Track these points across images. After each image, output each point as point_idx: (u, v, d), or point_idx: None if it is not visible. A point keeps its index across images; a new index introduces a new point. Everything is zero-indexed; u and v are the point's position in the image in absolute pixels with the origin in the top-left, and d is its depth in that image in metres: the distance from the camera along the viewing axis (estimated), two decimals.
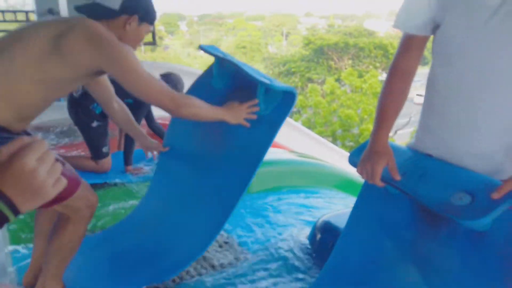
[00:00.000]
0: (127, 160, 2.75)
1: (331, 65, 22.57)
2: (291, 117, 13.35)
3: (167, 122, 3.68)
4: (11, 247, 1.81)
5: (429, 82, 1.15)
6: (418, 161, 1.13)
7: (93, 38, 1.23)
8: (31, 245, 1.64)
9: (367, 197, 1.25)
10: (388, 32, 31.05)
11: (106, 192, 2.45)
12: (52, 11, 4.99)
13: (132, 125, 1.76)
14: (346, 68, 19.86)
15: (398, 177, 1.11)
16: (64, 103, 2.80)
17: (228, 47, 36.69)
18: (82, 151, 3.09)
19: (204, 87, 1.72)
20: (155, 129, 3.12)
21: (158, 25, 41.68)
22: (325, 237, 1.76)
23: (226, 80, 1.69)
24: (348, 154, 1.40)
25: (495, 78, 0.99)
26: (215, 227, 1.50)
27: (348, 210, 1.40)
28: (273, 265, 1.75)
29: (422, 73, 3.63)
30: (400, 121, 11.09)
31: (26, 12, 5.22)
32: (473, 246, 0.96)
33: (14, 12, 5.55)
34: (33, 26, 1.30)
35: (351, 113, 14.19)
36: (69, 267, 1.41)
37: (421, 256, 1.05)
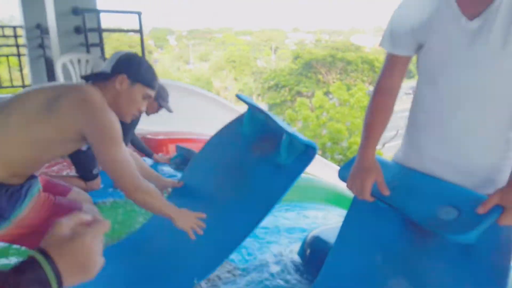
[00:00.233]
0: None
1: (319, 78, 22.87)
2: None
3: (157, 137, 3.68)
4: None
5: (414, 98, 1.19)
6: (405, 175, 1.15)
7: (84, 103, 1.23)
8: None
9: (357, 211, 1.26)
10: (374, 47, 31.68)
11: (98, 209, 2.41)
12: (40, 27, 4.99)
13: (146, 171, 1.77)
14: (334, 82, 20.14)
15: (387, 192, 1.13)
16: None
17: (217, 61, 36.93)
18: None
19: (233, 132, 1.89)
20: (135, 143, 3.10)
21: (148, 39, 41.88)
22: (315, 251, 1.76)
23: (254, 128, 1.82)
24: (337, 167, 1.44)
25: (476, 97, 1.03)
26: (215, 260, 1.53)
27: (338, 224, 1.41)
28: (263, 281, 1.73)
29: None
30: (388, 134, 11.23)
31: (14, 28, 5.20)
32: (462, 258, 0.98)
33: (2, 27, 5.52)
34: (35, 89, 1.32)
35: (340, 127, 14.34)
36: None
37: (412, 269, 1.06)
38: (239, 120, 1.89)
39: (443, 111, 1.09)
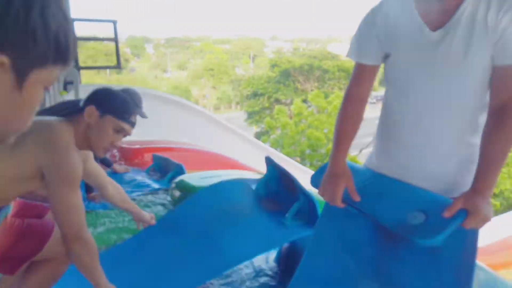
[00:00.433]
0: (88, 188, 2.67)
1: (297, 86, 23.14)
2: (259, 139, 13.47)
3: (133, 147, 3.63)
4: None
5: (384, 106, 1.23)
6: (375, 181, 1.18)
7: (49, 142, 1.17)
8: None
9: (329, 216, 1.28)
10: None
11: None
12: None
13: (128, 203, 1.76)
14: (312, 90, 20.41)
15: (357, 198, 1.16)
16: None
17: (195, 69, 36.85)
18: None
19: (248, 188, 1.97)
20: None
21: (124, 48, 41.40)
22: (291, 257, 1.77)
23: (270, 189, 1.91)
24: None
25: (440, 105, 1.07)
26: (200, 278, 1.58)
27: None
28: (240, 287, 1.73)
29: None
30: (364, 140, 11.45)
31: None
32: (430, 261, 1.01)
33: None
34: None
35: (319, 134, 14.51)
36: None
37: (383, 272, 1.08)
38: (259, 181, 1.99)
39: (410, 119, 1.13)
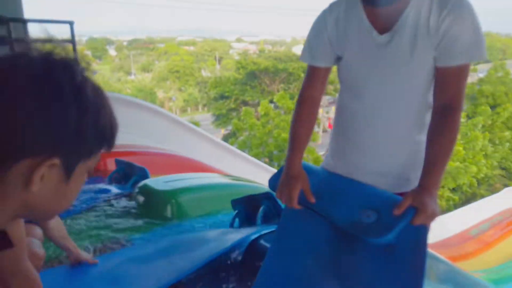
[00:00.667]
0: None
1: (264, 88, 23.25)
2: (226, 141, 13.41)
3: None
4: None
5: (337, 106, 1.27)
6: (331, 181, 1.22)
7: None
8: None
9: (289, 216, 1.29)
10: None
11: None
12: None
13: (67, 239, 1.65)
14: (278, 91, 20.59)
15: (312, 200, 1.18)
16: None
17: (160, 72, 36.17)
18: None
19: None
20: None
21: (84, 50, 39.99)
22: (256, 257, 1.78)
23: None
24: None
25: (389, 105, 1.12)
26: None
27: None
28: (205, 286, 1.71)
29: None
30: None
31: None
32: (385, 258, 1.04)
33: None
34: None
35: (286, 135, 14.65)
36: None
37: (341, 271, 1.11)
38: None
39: (361, 118, 1.17)
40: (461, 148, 14.33)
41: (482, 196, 11.27)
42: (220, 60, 43.33)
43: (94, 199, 2.56)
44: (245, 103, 22.22)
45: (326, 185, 1.19)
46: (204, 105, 32.78)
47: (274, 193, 1.62)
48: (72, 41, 4.04)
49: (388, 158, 1.17)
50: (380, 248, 1.03)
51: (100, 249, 1.97)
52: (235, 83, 23.09)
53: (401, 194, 1.15)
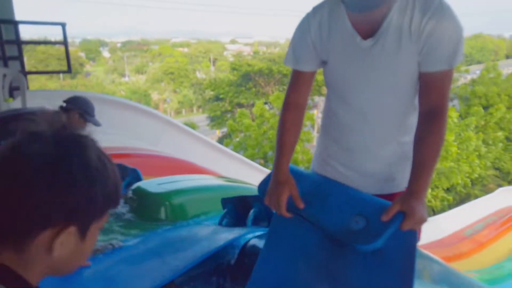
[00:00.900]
0: None
1: (259, 90, 23.25)
2: (221, 142, 13.39)
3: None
4: None
5: (325, 109, 1.27)
6: (320, 186, 1.19)
7: None
8: None
9: (280, 221, 1.27)
10: None
11: None
12: None
13: None
14: (273, 92, 20.60)
15: (301, 206, 1.15)
16: None
17: (155, 73, 36.06)
18: None
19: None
20: None
21: (78, 51, 39.75)
22: (250, 260, 1.77)
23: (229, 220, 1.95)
24: None
25: (374, 108, 1.12)
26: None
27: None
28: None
29: None
30: None
31: None
32: (375, 264, 1.02)
33: None
34: None
35: None
36: None
37: (332, 277, 1.09)
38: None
39: (347, 121, 1.17)
40: (455, 149, 14.42)
41: (476, 196, 11.35)
42: (214, 61, 43.29)
43: None
44: (240, 105, 22.20)
45: (314, 190, 1.17)
46: (199, 107, 32.72)
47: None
48: (65, 42, 4.01)
49: (374, 159, 1.18)
50: (370, 253, 1.02)
51: (93, 251, 1.96)
52: (229, 84, 23.06)
53: (388, 195, 1.15)
